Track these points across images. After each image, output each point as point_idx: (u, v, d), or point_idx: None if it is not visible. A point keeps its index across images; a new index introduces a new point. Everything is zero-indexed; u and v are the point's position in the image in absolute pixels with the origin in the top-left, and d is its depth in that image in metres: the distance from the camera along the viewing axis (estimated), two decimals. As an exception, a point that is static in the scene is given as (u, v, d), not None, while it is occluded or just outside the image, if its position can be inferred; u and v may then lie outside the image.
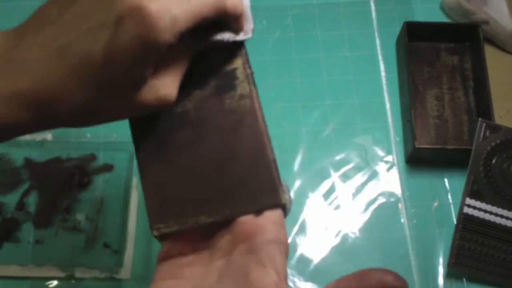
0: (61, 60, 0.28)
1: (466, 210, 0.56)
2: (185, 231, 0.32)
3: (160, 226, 0.32)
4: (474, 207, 0.56)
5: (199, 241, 0.32)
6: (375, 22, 0.69)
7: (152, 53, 0.28)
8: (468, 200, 0.57)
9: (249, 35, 0.34)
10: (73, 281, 0.53)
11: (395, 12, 0.69)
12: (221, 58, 0.35)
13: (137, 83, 0.29)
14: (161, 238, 0.33)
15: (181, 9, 0.28)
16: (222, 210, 0.32)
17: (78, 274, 0.53)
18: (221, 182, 0.32)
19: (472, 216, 0.56)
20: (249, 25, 0.34)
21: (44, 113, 0.29)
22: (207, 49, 0.33)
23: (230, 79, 0.34)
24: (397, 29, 0.67)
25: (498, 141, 0.58)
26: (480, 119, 0.58)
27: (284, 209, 0.32)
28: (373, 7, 0.70)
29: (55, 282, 0.54)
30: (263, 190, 0.32)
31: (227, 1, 0.30)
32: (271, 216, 0.31)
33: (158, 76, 0.30)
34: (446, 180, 0.61)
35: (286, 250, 0.30)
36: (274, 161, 0.33)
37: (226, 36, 0.33)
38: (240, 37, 0.33)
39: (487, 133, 0.58)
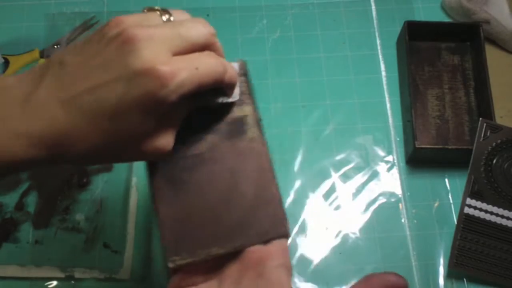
0: (77, 107, 0.31)
1: (467, 210, 0.56)
2: (198, 263, 0.35)
3: (175, 258, 0.35)
4: (475, 207, 0.56)
5: (209, 272, 0.35)
6: (375, 21, 0.69)
7: (158, 109, 0.31)
8: (469, 200, 0.56)
9: (237, 97, 0.38)
10: (72, 282, 0.53)
11: (395, 11, 0.69)
12: (233, 108, 0.38)
13: (142, 134, 0.32)
14: (175, 269, 0.35)
15: (188, 75, 0.31)
16: (233, 242, 0.35)
17: (77, 274, 0.53)
18: (232, 216, 0.36)
19: (472, 216, 0.56)
20: (237, 89, 0.38)
21: (56, 153, 0.32)
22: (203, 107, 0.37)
23: (241, 125, 0.38)
24: (397, 28, 0.66)
25: (499, 141, 0.58)
26: (481, 119, 0.58)
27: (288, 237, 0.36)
28: (373, 7, 0.69)
29: (54, 283, 0.54)
30: (271, 223, 0.35)
31: (225, 74, 0.34)
32: (278, 244, 0.35)
33: (158, 129, 0.33)
34: (446, 180, 0.61)
35: (291, 272, 0.34)
36: (280, 197, 0.37)
37: (220, 99, 0.37)
38: (231, 99, 0.37)
39: (488, 133, 0.58)
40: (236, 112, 0.38)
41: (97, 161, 0.34)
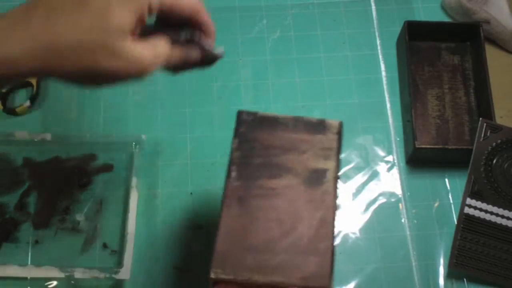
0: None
1: (467, 210, 0.56)
2: (237, 282, 0.37)
3: (218, 271, 0.37)
4: (475, 207, 0.56)
5: None
6: (375, 21, 0.69)
7: (142, 12, 0.36)
8: (469, 200, 0.56)
9: (219, 52, 0.42)
10: (72, 282, 0.53)
11: (395, 11, 0.69)
12: (318, 157, 0.42)
13: (122, 29, 0.35)
14: (215, 281, 0.37)
15: None
16: (276, 276, 0.37)
17: (77, 274, 0.53)
18: (283, 252, 0.38)
19: (473, 216, 0.56)
20: (214, 44, 0.42)
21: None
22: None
23: (320, 177, 0.41)
24: (397, 28, 0.66)
25: (499, 141, 0.58)
26: (481, 119, 0.58)
27: None
28: (373, 7, 0.69)
29: (54, 283, 0.54)
30: (316, 273, 0.37)
31: (201, 10, 0.41)
32: None
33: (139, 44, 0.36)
34: (446, 180, 0.61)
35: None
36: (333, 252, 0.38)
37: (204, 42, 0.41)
38: (211, 49, 0.42)
39: (488, 133, 0.58)
40: (319, 164, 0.41)
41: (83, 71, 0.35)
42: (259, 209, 0.40)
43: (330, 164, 0.42)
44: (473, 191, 0.57)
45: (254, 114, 0.43)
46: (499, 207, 0.56)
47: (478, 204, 0.56)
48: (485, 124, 0.58)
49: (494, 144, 0.58)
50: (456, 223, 0.57)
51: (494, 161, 0.57)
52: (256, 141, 0.42)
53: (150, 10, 0.37)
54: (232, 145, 0.42)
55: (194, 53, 0.41)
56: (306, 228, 0.39)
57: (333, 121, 0.43)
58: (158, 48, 0.38)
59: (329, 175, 0.41)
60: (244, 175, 0.41)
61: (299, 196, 0.40)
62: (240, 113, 0.43)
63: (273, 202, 0.40)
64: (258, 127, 0.43)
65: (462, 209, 0.56)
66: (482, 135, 0.58)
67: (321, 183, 0.41)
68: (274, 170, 0.41)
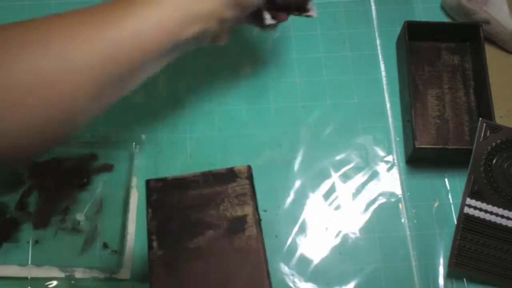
0: None
1: (467, 210, 0.56)
2: None
3: None
4: (475, 207, 0.56)
5: None
6: (375, 21, 0.69)
7: None
8: (469, 200, 0.56)
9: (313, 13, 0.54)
10: (72, 281, 0.53)
11: (395, 11, 0.69)
12: (235, 205, 0.43)
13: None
14: None
15: None
16: None
17: (77, 274, 0.53)
18: None
19: (472, 216, 0.56)
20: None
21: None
22: None
23: (241, 224, 0.42)
24: (397, 28, 0.66)
25: (498, 141, 0.58)
26: (480, 118, 0.58)
27: None
28: (373, 7, 0.69)
29: (54, 283, 0.54)
30: None
31: None
32: None
33: None
34: (446, 180, 0.61)
35: None
36: None
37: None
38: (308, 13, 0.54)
39: (488, 133, 0.58)
40: (237, 212, 0.42)
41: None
42: (188, 273, 0.40)
43: (248, 209, 0.42)
44: (473, 191, 0.57)
45: (162, 180, 0.44)
46: (499, 207, 0.56)
47: (478, 204, 0.56)
48: (484, 124, 0.58)
49: (494, 144, 0.58)
50: (456, 223, 0.57)
51: (494, 161, 0.57)
52: (170, 206, 0.43)
53: None
54: (146, 215, 0.42)
55: None
56: (239, 279, 0.40)
57: (242, 167, 0.44)
58: None
59: (249, 220, 0.42)
60: (165, 242, 0.41)
61: (225, 248, 0.41)
62: (148, 182, 0.44)
63: (201, 262, 0.40)
64: (169, 191, 0.43)
65: (462, 209, 0.56)
66: (482, 135, 0.58)
67: (243, 230, 0.42)
68: (194, 229, 0.42)
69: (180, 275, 0.40)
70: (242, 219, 0.42)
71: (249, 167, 0.45)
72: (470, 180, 0.57)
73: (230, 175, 0.44)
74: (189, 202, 0.43)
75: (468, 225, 0.56)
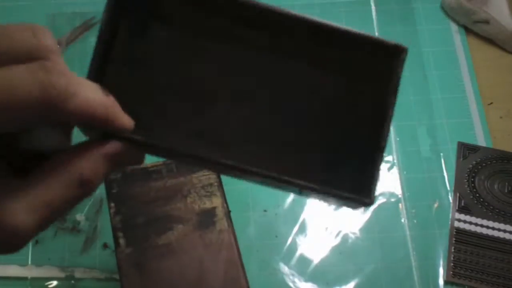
0: None
1: (457, 224, 0.57)
2: None
3: None
4: (464, 221, 0.57)
5: None
6: (375, 22, 0.69)
7: None
8: (458, 215, 0.57)
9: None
10: (72, 281, 0.53)
11: (395, 11, 0.69)
12: (202, 198, 0.40)
13: None
14: None
15: None
16: None
17: (77, 274, 0.53)
18: None
19: (463, 230, 0.57)
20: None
21: None
22: None
23: (211, 216, 0.40)
24: (397, 28, 0.66)
25: (478, 159, 0.60)
26: (458, 141, 0.60)
27: None
28: (373, 7, 0.69)
29: (54, 282, 0.54)
30: None
31: (70, 99, 0.21)
32: None
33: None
34: (446, 180, 0.61)
35: None
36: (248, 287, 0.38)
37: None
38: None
39: (467, 153, 0.60)
40: (206, 204, 0.40)
41: None
42: (160, 271, 0.38)
43: (216, 201, 0.41)
44: (460, 206, 0.58)
45: (122, 171, 0.41)
46: (488, 220, 0.57)
47: (467, 218, 0.57)
48: (462, 146, 0.60)
49: (474, 162, 0.60)
50: (448, 236, 0.57)
51: (477, 178, 0.59)
52: (134, 199, 0.40)
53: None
54: (109, 210, 0.40)
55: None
56: (213, 275, 0.38)
57: None
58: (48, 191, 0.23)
59: (219, 212, 0.40)
60: (133, 239, 0.39)
61: (196, 243, 0.39)
62: None
63: (172, 259, 0.38)
64: (130, 183, 0.40)
65: (452, 223, 0.57)
66: (462, 156, 0.59)
67: (213, 223, 0.40)
68: (162, 224, 0.39)
69: (151, 274, 0.38)
70: (212, 212, 0.40)
71: None
72: (456, 196, 0.59)
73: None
74: (153, 195, 0.40)
75: (460, 238, 0.57)
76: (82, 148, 0.23)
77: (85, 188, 0.23)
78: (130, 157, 0.25)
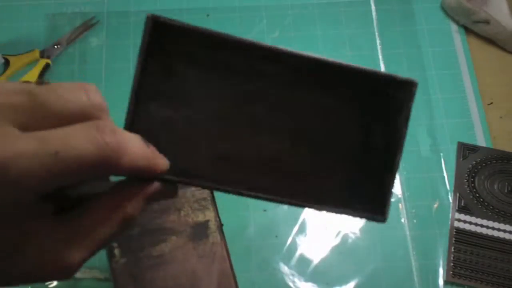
0: None
1: (457, 224, 0.57)
2: None
3: None
4: (464, 221, 0.57)
5: None
6: (375, 21, 0.69)
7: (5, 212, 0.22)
8: (457, 215, 0.58)
9: None
10: (73, 281, 0.53)
11: (395, 11, 0.69)
12: (195, 211, 0.41)
13: (3, 249, 0.23)
14: None
15: (37, 164, 0.21)
16: None
17: (77, 274, 0.53)
18: None
19: (463, 230, 0.57)
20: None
21: None
22: None
23: (204, 229, 0.41)
24: (397, 28, 0.67)
25: (478, 159, 0.60)
26: (457, 142, 0.60)
27: None
28: (373, 7, 0.69)
29: (54, 282, 0.54)
30: None
31: (120, 158, 0.23)
32: None
33: (52, 237, 0.23)
34: (446, 180, 0.61)
35: None
36: None
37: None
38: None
39: (467, 153, 0.60)
40: (199, 217, 0.41)
41: None
42: (154, 281, 0.39)
43: (209, 215, 0.42)
44: (460, 206, 0.58)
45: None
46: (488, 220, 0.57)
47: (467, 218, 0.57)
48: (462, 146, 0.60)
49: (474, 162, 0.60)
50: (448, 236, 0.57)
51: (476, 178, 0.59)
52: None
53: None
54: None
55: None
56: (206, 286, 0.39)
57: None
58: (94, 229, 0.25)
59: (212, 225, 0.42)
60: (127, 250, 0.40)
61: (190, 255, 0.40)
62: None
63: (167, 269, 0.40)
64: None
65: (452, 223, 0.57)
66: (461, 155, 0.59)
67: (206, 236, 0.41)
68: (156, 235, 0.41)
69: (145, 284, 0.39)
70: (204, 225, 0.41)
71: None
72: (456, 196, 0.59)
73: None
74: (147, 208, 0.41)
75: (459, 237, 0.57)
76: (125, 191, 0.26)
77: (128, 224, 0.26)
78: (166, 193, 0.28)
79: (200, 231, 0.41)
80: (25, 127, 0.22)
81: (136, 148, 0.25)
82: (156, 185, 0.27)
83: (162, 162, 0.27)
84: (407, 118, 0.30)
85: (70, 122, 0.22)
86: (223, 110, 0.30)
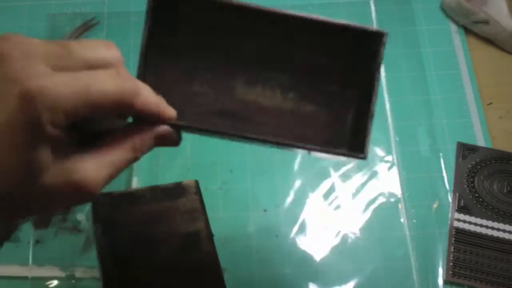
0: None
1: (456, 224, 0.57)
2: None
3: None
4: (464, 221, 0.57)
5: None
6: (375, 22, 0.69)
7: (38, 135, 0.25)
8: (457, 215, 0.58)
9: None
10: (73, 281, 0.54)
11: (395, 12, 0.69)
12: (186, 221, 0.42)
13: (33, 168, 0.26)
14: None
15: (71, 92, 0.25)
16: None
17: (78, 273, 0.53)
18: None
19: (463, 229, 0.57)
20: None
21: None
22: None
23: (194, 240, 0.42)
24: (397, 28, 0.67)
25: (478, 160, 0.60)
26: (457, 141, 0.60)
27: None
28: (373, 7, 0.70)
29: (55, 282, 0.54)
30: None
31: (136, 97, 0.29)
32: None
33: (74, 159, 0.28)
34: (446, 180, 0.61)
35: None
36: None
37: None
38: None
39: (467, 153, 0.60)
40: (190, 227, 0.42)
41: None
42: None
43: (199, 225, 0.42)
44: (460, 206, 0.58)
45: (109, 195, 0.43)
46: (487, 219, 0.57)
47: (467, 218, 0.58)
48: (462, 146, 0.60)
49: (473, 162, 0.60)
50: (448, 236, 0.57)
51: (476, 178, 0.59)
52: (120, 222, 0.42)
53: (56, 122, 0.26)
54: (95, 231, 0.42)
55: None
56: None
57: (189, 182, 0.44)
58: (110, 155, 0.29)
59: (202, 236, 0.42)
60: (119, 260, 0.41)
61: (180, 265, 0.41)
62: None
63: (157, 279, 0.40)
64: (117, 206, 0.42)
65: (451, 223, 0.58)
66: (461, 155, 0.59)
67: (196, 246, 0.42)
68: (147, 246, 0.41)
69: None
70: (195, 235, 0.42)
71: (197, 182, 0.45)
72: (456, 196, 0.59)
73: (178, 190, 0.44)
74: (139, 218, 0.42)
75: (459, 237, 0.57)
76: (137, 127, 0.31)
77: (137, 154, 0.30)
78: (172, 138, 0.32)
79: (190, 241, 0.42)
80: (56, 69, 0.26)
81: (148, 92, 0.30)
82: (164, 127, 0.31)
83: (170, 110, 0.31)
84: (379, 64, 0.34)
85: (94, 68, 0.27)
86: (221, 68, 0.35)
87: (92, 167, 0.28)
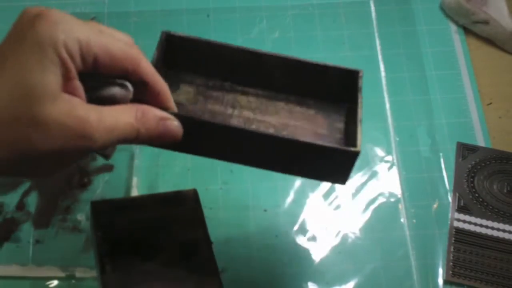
0: None
1: (456, 224, 0.57)
2: None
3: None
4: (464, 221, 0.57)
5: None
6: (375, 22, 0.69)
7: (50, 55, 0.28)
8: (457, 215, 0.58)
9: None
10: (73, 281, 0.54)
11: (395, 12, 0.69)
12: (185, 229, 0.43)
13: (41, 88, 0.28)
14: None
15: (87, 28, 0.30)
16: None
17: (78, 273, 0.53)
18: None
19: (462, 229, 0.57)
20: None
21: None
22: None
23: (193, 247, 0.42)
24: (397, 28, 0.67)
25: (477, 160, 0.60)
26: (457, 141, 0.60)
27: None
28: (373, 7, 0.70)
29: (55, 282, 0.54)
30: None
31: (141, 61, 0.33)
32: None
33: (80, 103, 0.30)
34: (446, 180, 0.61)
35: None
36: None
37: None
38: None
39: (467, 153, 0.60)
40: (189, 235, 0.42)
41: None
42: None
43: (199, 233, 0.43)
44: (460, 206, 0.58)
45: (109, 202, 0.44)
46: (487, 219, 0.57)
47: (467, 218, 0.58)
48: (462, 146, 0.60)
49: (473, 162, 0.60)
50: (448, 235, 0.57)
51: (476, 178, 0.59)
52: (120, 229, 0.42)
53: (74, 59, 0.29)
54: (95, 238, 0.42)
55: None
56: None
57: (188, 191, 0.45)
58: (116, 116, 0.31)
59: (201, 243, 0.42)
60: (119, 265, 0.41)
61: (179, 272, 0.41)
62: (93, 204, 0.43)
63: (157, 285, 0.40)
64: (117, 213, 0.43)
65: (451, 223, 0.58)
66: (461, 155, 0.59)
67: (195, 254, 0.42)
68: (146, 253, 0.41)
69: None
70: (194, 243, 0.42)
71: (195, 191, 0.45)
72: (456, 196, 0.59)
73: (177, 197, 0.44)
74: (138, 225, 0.42)
75: (459, 237, 0.57)
76: (140, 103, 0.33)
77: (138, 125, 0.32)
78: (173, 125, 0.34)
79: (189, 249, 0.42)
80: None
81: (149, 63, 0.34)
82: (166, 114, 0.34)
83: (169, 93, 0.35)
84: (360, 89, 0.40)
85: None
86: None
87: (96, 115, 0.30)
